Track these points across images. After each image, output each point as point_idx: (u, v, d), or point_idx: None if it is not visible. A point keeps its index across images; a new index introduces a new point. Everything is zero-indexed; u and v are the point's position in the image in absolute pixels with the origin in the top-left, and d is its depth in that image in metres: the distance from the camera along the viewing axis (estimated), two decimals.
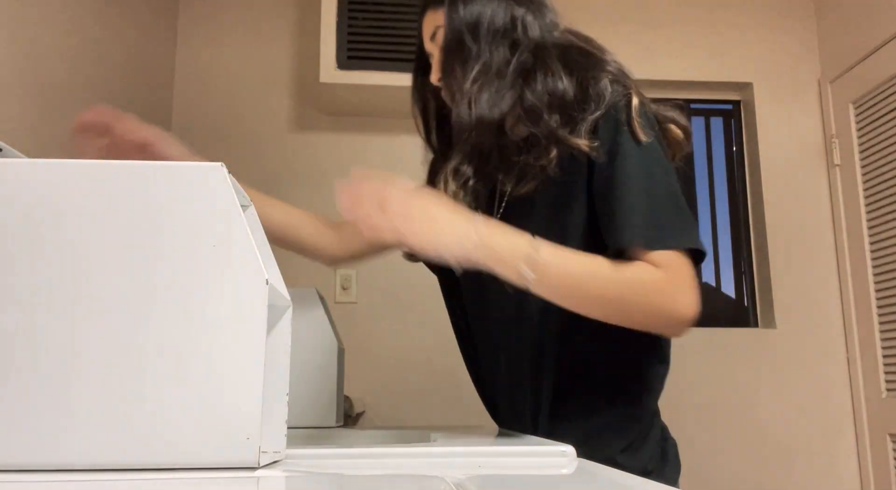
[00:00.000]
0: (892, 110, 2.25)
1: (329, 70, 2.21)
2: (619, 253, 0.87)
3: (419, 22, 1.07)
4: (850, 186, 2.44)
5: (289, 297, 0.63)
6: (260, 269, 0.55)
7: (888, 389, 2.27)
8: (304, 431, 1.10)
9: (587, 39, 1.03)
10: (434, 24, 1.03)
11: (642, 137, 0.90)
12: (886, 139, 2.27)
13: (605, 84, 0.94)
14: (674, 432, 1.04)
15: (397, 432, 1.12)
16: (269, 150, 2.42)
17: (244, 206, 0.59)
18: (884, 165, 2.29)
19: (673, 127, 0.97)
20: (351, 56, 2.22)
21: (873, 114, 2.34)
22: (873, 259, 2.34)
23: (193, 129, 2.40)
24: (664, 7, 2.61)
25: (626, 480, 0.56)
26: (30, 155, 0.69)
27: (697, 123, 2.71)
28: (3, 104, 1.40)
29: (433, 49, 1.04)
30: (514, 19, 0.99)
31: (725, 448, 2.35)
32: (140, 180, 0.56)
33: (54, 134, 1.62)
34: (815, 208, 2.52)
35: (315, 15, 2.40)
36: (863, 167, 2.40)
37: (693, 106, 2.70)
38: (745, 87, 2.62)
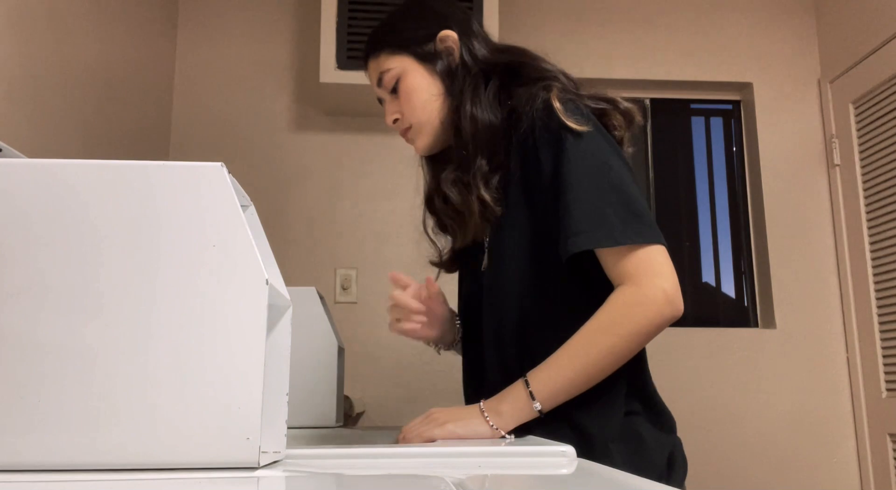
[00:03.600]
0: (892, 110, 2.25)
1: (329, 70, 2.21)
2: (573, 258, 0.91)
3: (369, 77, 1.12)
4: (850, 186, 2.44)
5: (289, 297, 0.63)
6: (260, 269, 0.55)
7: (888, 389, 2.27)
8: (304, 431, 1.10)
9: (512, 51, 1.07)
10: (377, 71, 1.09)
11: (578, 128, 0.91)
12: (886, 139, 2.27)
13: (525, 101, 0.97)
14: None
15: (397, 432, 1.12)
16: (269, 150, 2.42)
17: (244, 206, 0.59)
18: (884, 165, 2.29)
19: (612, 110, 0.99)
20: (351, 56, 2.22)
21: (873, 114, 2.34)
22: (873, 259, 2.34)
23: (193, 130, 2.40)
24: (664, 7, 2.61)
25: (626, 480, 0.56)
26: (30, 155, 0.69)
27: (697, 123, 2.71)
28: (4, 104, 1.40)
29: (382, 94, 1.11)
30: (448, 50, 1.06)
31: (725, 448, 2.35)
32: (140, 180, 0.56)
33: (54, 134, 1.62)
34: (815, 208, 2.52)
35: (315, 15, 2.40)
36: (863, 167, 2.40)
37: (693, 106, 2.70)
38: (745, 87, 2.62)
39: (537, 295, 0.97)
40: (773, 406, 2.39)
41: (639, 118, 1.03)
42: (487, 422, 0.88)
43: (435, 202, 1.14)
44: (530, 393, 0.89)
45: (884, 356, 2.30)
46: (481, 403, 0.91)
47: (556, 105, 0.93)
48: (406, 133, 1.11)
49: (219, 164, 0.57)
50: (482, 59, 1.06)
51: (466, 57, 1.06)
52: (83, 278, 0.54)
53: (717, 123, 2.70)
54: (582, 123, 0.92)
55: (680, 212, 2.63)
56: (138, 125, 2.12)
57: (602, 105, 0.99)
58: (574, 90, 0.99)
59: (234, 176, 0.58)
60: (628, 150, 1.02)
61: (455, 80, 1.05)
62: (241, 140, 2.41)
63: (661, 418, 0.99)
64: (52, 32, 1.59)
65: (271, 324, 0.61)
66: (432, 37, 1.06)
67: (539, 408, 0.89)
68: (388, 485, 0.55)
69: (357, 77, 2.22)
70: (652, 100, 2.65)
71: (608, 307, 0.89)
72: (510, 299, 0.99)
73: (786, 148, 2.56)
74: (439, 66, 1.06)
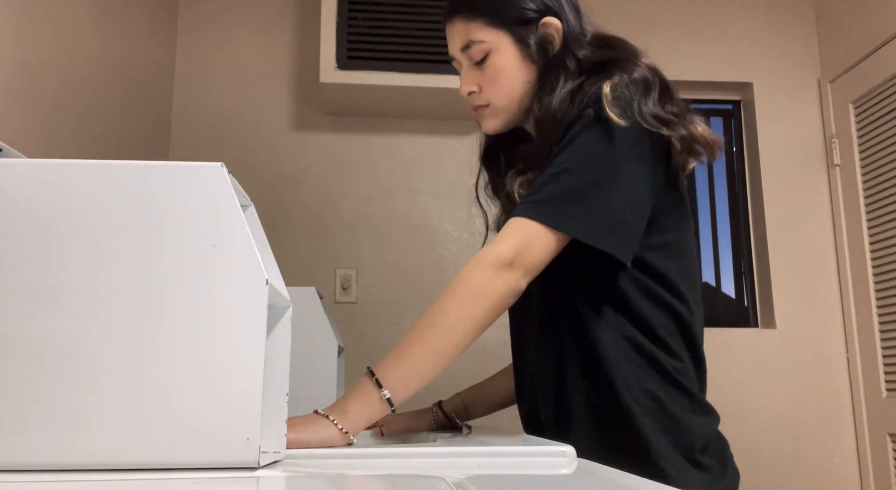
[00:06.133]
0: (892, 110, 2.25)
1: (329, 70, 2.21)
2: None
3: (446, 33, 1.05)
4: (850, 186, 2.44)
5: (289, 297, 0.63)
6: (260, 269, 0.55)
7: (888, 389, 2.27)
8: None
9: (612, 45, 1.03)
10: (466, 37, 1.01)
11: (613, 119, 0.88)
12: (886, 139, 2.27)
13: (591, 89, 0.93)
14: None
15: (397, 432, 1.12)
16: (269, 150, 2.42)
17: (244, 206, 0.59)
18: (884, 165, 2.29)
19: (672, 130, 0.93)
20: (351, 56, 2.22)
21: (873, 114, 2.34)
22: (873, 259, 2.34)
23: (193, 129, 2.40)
24: (664, 7, 2.61)
25: (626, 480, 0.56)
26: (30, 155, 0.69)
27: None
28: (4, 104, 1.40)
29: (463, 60, 1.03)
30: (548, 37, 1.00)
31: None
32: (140, 180, 0.56)
33: (54, 134, 1.62)
34: (815, 208, 2.52)
35: (315, 15, 2.40)
36: (863, 167, 2.40)
37: (693, 106, 2.70)
38: (745, 87, 2.62)
39: (553, 278, 0.94)
40: (773, 406, 2.38)
41: (706, 152, 0.97)
42: (334, 424, 0.78)
43: (493, 159, 1.11)
44: (376, 381, 0.81)
45: (884, 356, 2.30)
46: (324, 409, 0.82)
47: (606, 91, 0.89)
48: (481, 109, 1.04)
49: (219, 164, 0.57)
50: (582, 57, 1.00)
51: (566, 51, 0.99)
52: (83, 278, 0.54)
53: (717, 123, 2.70)
54: (621, 117, 0.88)
55: None
56: (138, 125, 2.12)
57: (661, 128, 0.92)
58: (647, 85, 0.93)
59: (234, 176, 0.58)
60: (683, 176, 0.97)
61: (549, 73, 0.99)
62: (241, 140, 2.41)
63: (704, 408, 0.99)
64: (52, 32, 1.59)
65: (271, 324, 0.61)
66: (536, 20, 0.99)
67: (388, 396, 0.81)
68: (388, 485, 0.55)
69: (357, 77, 2.22)
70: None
71: (462, 269, 0.86)
72: (543, 281, 0.95)
73: (786, 148, 2.56)
74: (534, 52, 0.99)
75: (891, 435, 2.24)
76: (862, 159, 2.40)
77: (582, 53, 1.00)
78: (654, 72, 0.97)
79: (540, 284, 0.94)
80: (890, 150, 2.26)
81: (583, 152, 0.89)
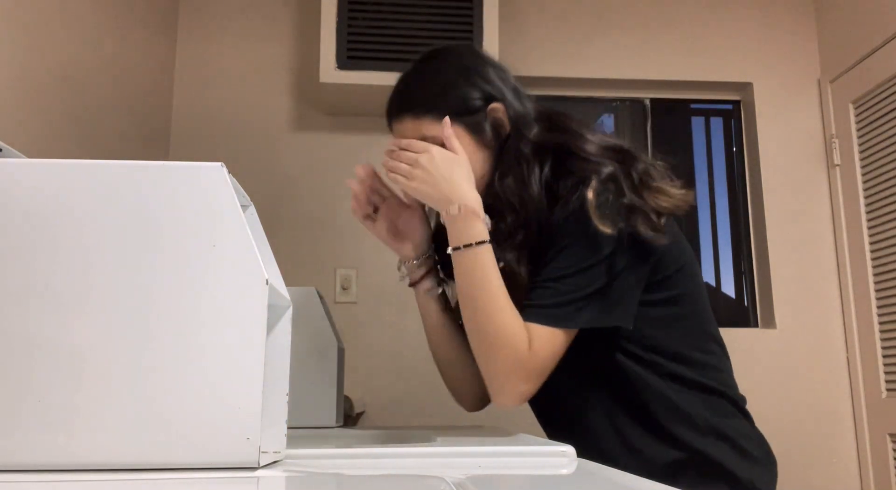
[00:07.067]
0: (892, 110, 2.25)
1: (329, 70, 2.21)
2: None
3: (392, 128, 1.12)
4: (850, 186, 2.44)
5: (289, 297, 0.63)
6: (260, 269, 0.55)
7: (888, 389, 2.27)
8: (304, 431, 1.10)
9: (558, 124, 1.05)
10: (418, 132, 1.06)
11: (601, 228, 0.93)
12: (886, 139, 2.27)
13: (569, 191, 0.97)
14: None
15: (397, 432, 1.12)
16: (269, 150, 2.42)
17: (244, 206, 0.59)
18: (884, 165, 2.29)
19: (642, 210, 0.98)
20: (351, 56, 2.22)
21: (873, 114, 2.34)
22: (873, 259, 2.34)
23: (193, 129, 2.40)
24: (664, 7, 2.61)
25: (625, 480, 0.56)
26: (30, 155, 0.69)
27: (697, 123, 2.71)
28: (4, 104, 1.40)
29: None
30: (498, 121, 1.04)
31: None
32: (140, 180, 0.56)
33: (54, 134, 1.62)
34: (815, 208, 2.52)
35: (315, 15, 2.40)
36: (863, 167, 2.40)
37: (693, 106, 2.70)
38: (745, 87, 2.62)
39: (590, 345, 1.00)
40: (773, 406, 2.38)
41: (672, 214, 1.05)
42: (447, 207, 0.96)
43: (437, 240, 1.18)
44: (473, 246, 0.94)
45: (884, 356, 2.30)
46: (460, 204, 0.95)
47: (590, 199, 0.94)
48: None
49: (219, 164, 0.57)
50: (532, 139, 1.03)
51: (517, 134, 1.03)
52: (83, 278, 0.54)
53: (717, 123, 2.70)
54: (607, 224, 0.93)
55: None
56: (138, 125, 2.12)
57: (635, 206, 0.97)
58: (615, 181, 0.98)
59: (234, 176, 0.58)
60: (663, 236, 1.01)
61: (506, 155, 1.03)
62: (241, 140, 2.41)
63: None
64: (52, 32, 1.59)
65: (271, 324, 0.61)
66: (482, 107, 1.03)
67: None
68: (388, 485, 0.55)
69: (357, 77, 2.22)
70: (652, 100, 2.65)
71: (514, 344, 0.92)
72: (580, 349, 1.01)
73: (786, 148, 2.56)
74: (488, 136, 1.04)
75: (891, 435, 2.24)
76: (862, 159, 2.40)
77: (532, 133, 1.04)
78: (608, 149, 1.02)
79: (577, 351, 0.98)
80: (890, 150, 2.26)
81: (579, 257, 0.95)
